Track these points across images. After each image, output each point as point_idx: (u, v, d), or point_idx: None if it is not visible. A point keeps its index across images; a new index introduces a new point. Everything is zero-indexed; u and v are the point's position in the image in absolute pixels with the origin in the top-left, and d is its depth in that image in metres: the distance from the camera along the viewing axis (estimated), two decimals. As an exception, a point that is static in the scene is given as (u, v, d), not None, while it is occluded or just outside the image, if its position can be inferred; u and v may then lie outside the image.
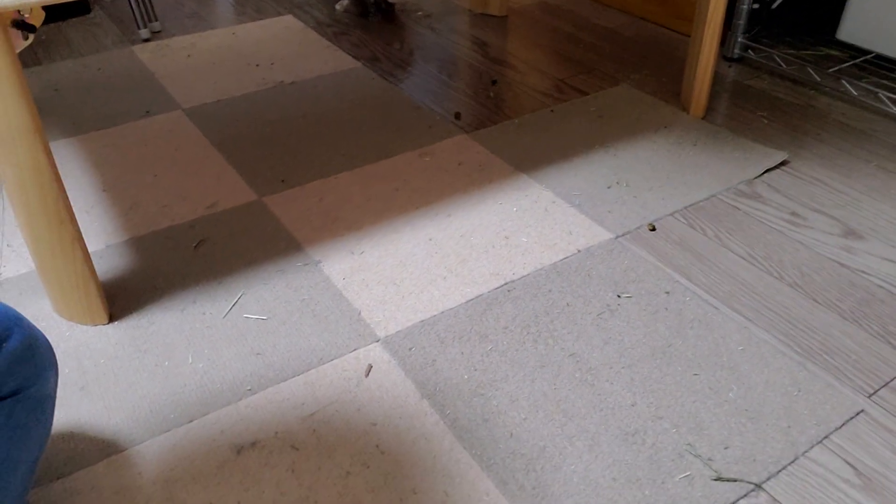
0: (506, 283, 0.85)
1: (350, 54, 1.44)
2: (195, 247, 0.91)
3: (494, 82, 1.33)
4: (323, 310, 0.81)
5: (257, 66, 1.38)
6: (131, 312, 0.81)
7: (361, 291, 0.84)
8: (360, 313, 0.81)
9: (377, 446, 0.66)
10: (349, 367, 0.74)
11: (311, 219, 0.96)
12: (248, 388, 0.72)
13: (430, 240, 0.92)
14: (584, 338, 0.77)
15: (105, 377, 0.73)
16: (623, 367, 0.74)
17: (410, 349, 0.76)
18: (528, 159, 1.08)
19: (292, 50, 1.45)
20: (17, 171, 0.69)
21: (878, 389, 0.71)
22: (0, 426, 0.51)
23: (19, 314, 0.54)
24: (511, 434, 0.67)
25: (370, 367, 0.75)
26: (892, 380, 0.72)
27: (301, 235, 0.93)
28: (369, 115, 1.21)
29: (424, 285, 0.85)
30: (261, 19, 1.61)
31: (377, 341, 0.77)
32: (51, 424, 0.57)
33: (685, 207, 0.98)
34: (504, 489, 0.62)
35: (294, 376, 0.73)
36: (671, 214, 0.96)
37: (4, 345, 0.51)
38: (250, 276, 0.86)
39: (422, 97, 1.27)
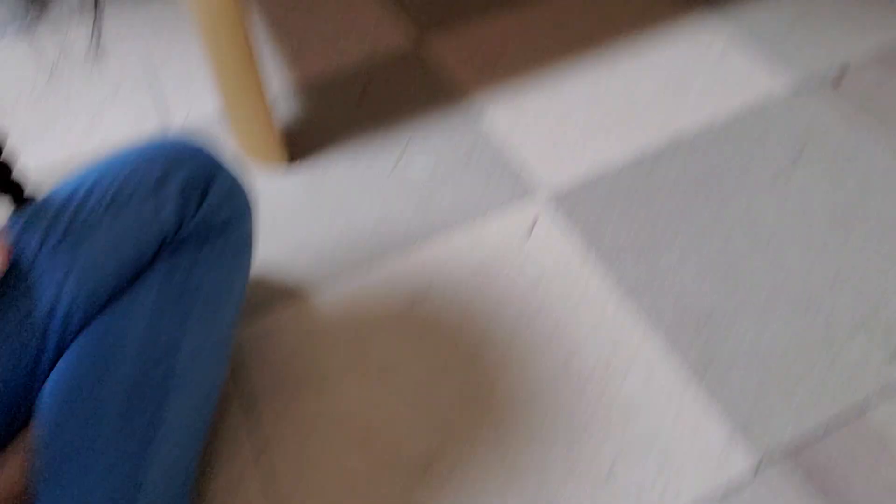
0: (675, 139, 0.81)
1: None
2: (360, 94, 0.92)
3: None
4: (486, 164, 0.82)
5: None
6: (306, 159, 0.84)
7: (524, 144, 0.83)
8: (523, 168, 0.81)
9: (543, 301, 0.69)
10: (514, 223, 0.76)
11: (472, 65, 0.94)
12: (418, 240, 0.75)
13: (595, 88, 0.88)
14: (758, 200, 0.74)
15: (286, 221, 0.78)
16: (800, 234, 0.71)
17: (576, 205, 0.77)
18: (700, -6, 0.99)
19: None
20: (207, 11, 0.70)
21: None
22: (213, 261, 0.55)
23: (222, 156, 0.57)
24: (679, 296, 0.68)
25: (535, 222, 0.76)
26: None
27: (462, 83, 0.92)
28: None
29: (589, 139, 0.83)
30: None
31: (542, 197, 0.78)
32: (250, 263, 0.61)
33: (883, 51, 0.87)
34: (672, 350, 0.64)
35: (460, 230, 0.76)
36: (864, 60, 0.87)
37: (212, 184, 0.54)
38: (414, 127, 0.87)
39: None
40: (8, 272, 0.49)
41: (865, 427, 0.58)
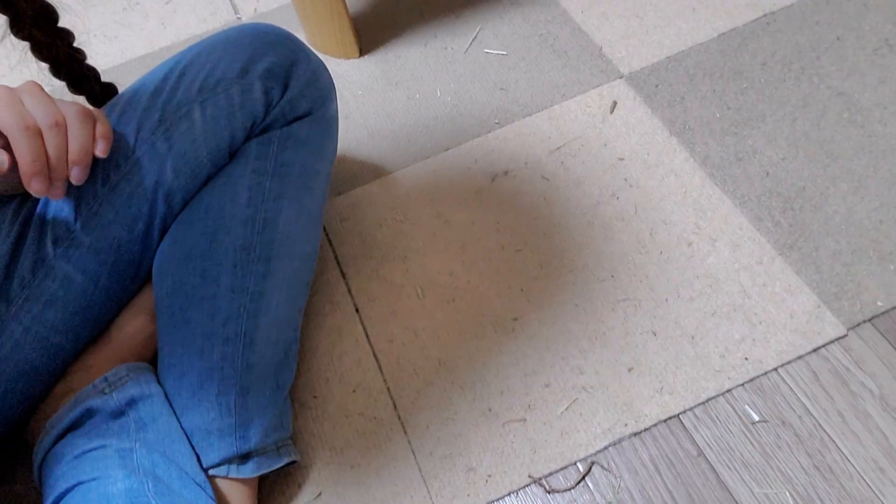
0: (765, 14, 0.77)
1: None
2: (428, -20, 0.89)
3: None
4: (563, 45, 0.79)
5: None
6: (378, 47, 0.83)
7: (602, 25, 0.80)
8: (601, 48, 0.78)
9: (625, 180, 0.68)
10: (593, 104, 0.74)
11: (542, -54, 0.90)
12: (496, 121, 0.74)
13: (676, -34, 0.84)
14: (855, 75, 0.70)
15: (365, 107, 0.78)
16: (901, 108, 0.67)
17: (657, 86, 0.74)
18: None
19: None
20: None
21: None
22: (302, 141, 0.57)
23: (303, 42, 0.58)
24: (767, 173, 0.66)
25: (615, 103, 0.74)
26: None
27: (533, -35, 0.88)
28: None
29: (671, 17, 0.79)
30: None
31: (621, 77, 0.75)
32: (336, 142, 0.63)
33: None
34: (759, 225, 0.63)
35: (538, 111, 0.74)
36: (981, -74, 0.79)
37: (295, 68, 0.56)
38: (487, 9, 0.85)
39: None
40: (114, 151, 0.51)
41: (968, 299, 0.56)
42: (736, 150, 0.68)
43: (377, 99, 0.79)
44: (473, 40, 0.82)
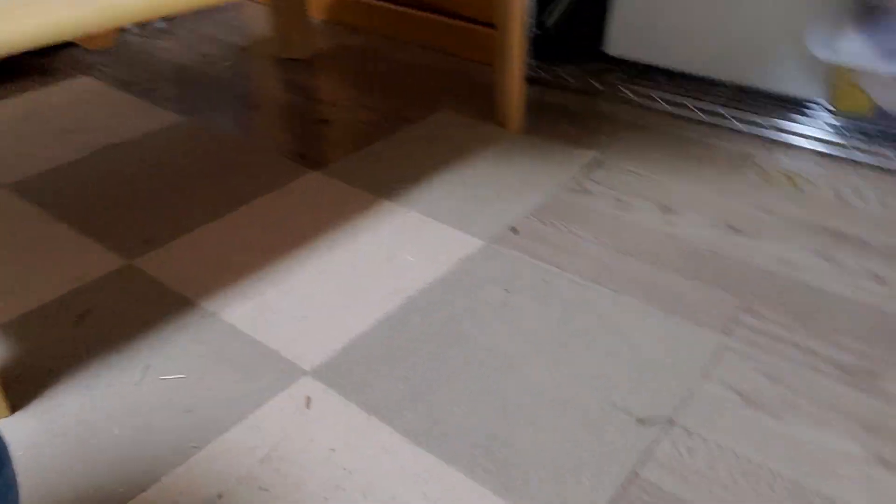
0: (408, 299, 0.90)
1: (169, 109, 1.40)
2: (76, 322, 0.84)
3: (325, 121, 1.38)
4: (240, 356, 0.81)
5: (71, 131, 1.29)
6: (32, 400, 0.73)
7: (272, 331, 0.85)
8: (279, 352, 0.82)
9: (344, 469, 0.68)
10: (288, 404, 0.75)
11: (193, 272, 0.94)
12: (193, 445, 0.70)
13: (322, 273, 0.95)
14: (492, 332, 0.86)
15: (35, 468, 0.66)
16: (534, 351, 0.83)
17: (341, 375, 0.79)
18: (384, 186, 1.15)
19: (104, 111, 1.37)
20: None
21: (730, 326, 0.88)
22: None
23: None
24: (462, 428, 0.73)
25: (308, 398, 0.76)
26: (736, 316, 0.89)
27: (188, 290, 0.91)
28: (214, 166, 1.20)
29: (333, 314, 0.88)
30: (52, 84, 1.50)
31: (307, 374, 0.79)
32: None
33: (534, 209, 1.11)
34: (473, 476, 0.68)
35: (235, 424, 0.72)
36: (525, 216, 1.09)
37: None
38: (150, 340, 0.83)
39: (260, 142, 1.29)
40: None
41: (640, 483, 0.68)
42: (429, 415, 0.74)
43: (47, 455, 0.68)
44: (144, 371, 0.78)
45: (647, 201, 1.13)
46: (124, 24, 0.70)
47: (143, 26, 1.83)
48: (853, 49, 1.23)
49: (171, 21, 1.88)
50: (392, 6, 1.77)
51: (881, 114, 1.27)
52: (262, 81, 1.54)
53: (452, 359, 0.82)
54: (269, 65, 1.63)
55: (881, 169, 1.22)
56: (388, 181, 1.17)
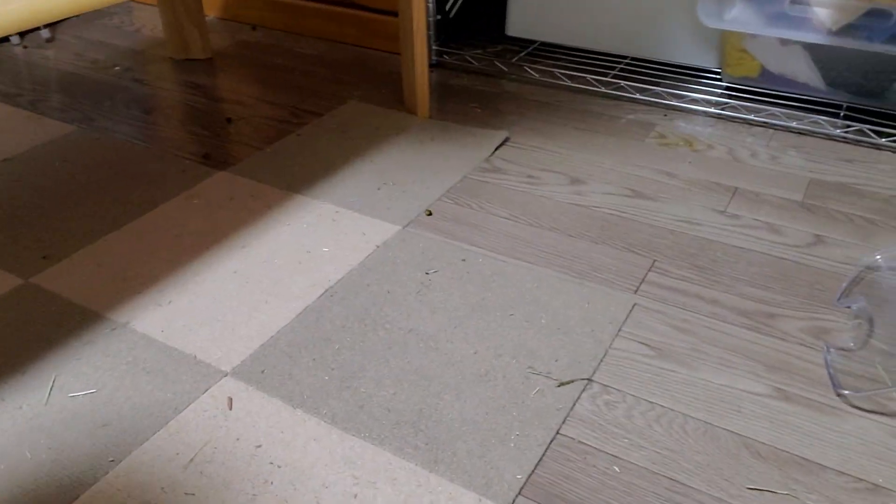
0: (327, 290, 0.90)
1: (59, 119, 1.34)
2: (-27, 346, 0.80)
3: (230, 120, 1.35)
4: (155, 364, 0.78)
5: (-47, 148, 1.22)
6: (-71, 432, 0.69)
7: (187, 336, 0.82)
8: (195, 356, 0.80)
9: (271, 463, 0.68)
10: (209, 407, 0.73)
11: (98, 285, 0.90)
12: (111, 459, 0.67)
13: (236, 272, 0.93)
14: (414, 314, 0.86)
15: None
16: (455, 327, 0.84)
17: (262, 372, 0.78)
18: (296, 181, 1.13)
19: (-11, 125, 1.30)
20: None
21: (640, 285, 0.91)
22: None
23: None
24: (389, 409, 0.73)
25: (230, 399, 0.74)
26: (645, 276, 0.93)
27: (95, 304, 0.87)
28: (113, 174, 1.15)
29: (250, 313, 0.86)
30: (-70, 100, 1.41)
31: (226, 375, 0.77)
32: None
33: (447, 191, 1.12)
34: (403, 454, 0.68)
35: (155, 433, 0.70)
36: (439, 199, 1.09)
37: None
38: (57, 358, 0.79)
39: (160, 146, 1.24)
40: None
41: (563, 441, 0.70)
42: (355, 400, 0.74)
43: (-57, 491, 0.64)
44: (52, 389, 0.75)
45: (557, 174, 1.16)
46: (2, 34, 0.66)
47: (24, 35, 1.74)
48: (738, 16, 1.29)
49: (55, 28, 1.80)
50: (290, 0, 1.74)
51: (768, 76, 1.34)
52: (159, 84, 1.49)
53: (375, 343, 0.82)
54: (165, 67, 1.57)
55: (771, 126, 1.29)
56: (299, 175, 1.15)
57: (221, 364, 0.79)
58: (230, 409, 0.73)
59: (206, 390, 0.75)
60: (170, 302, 0.88)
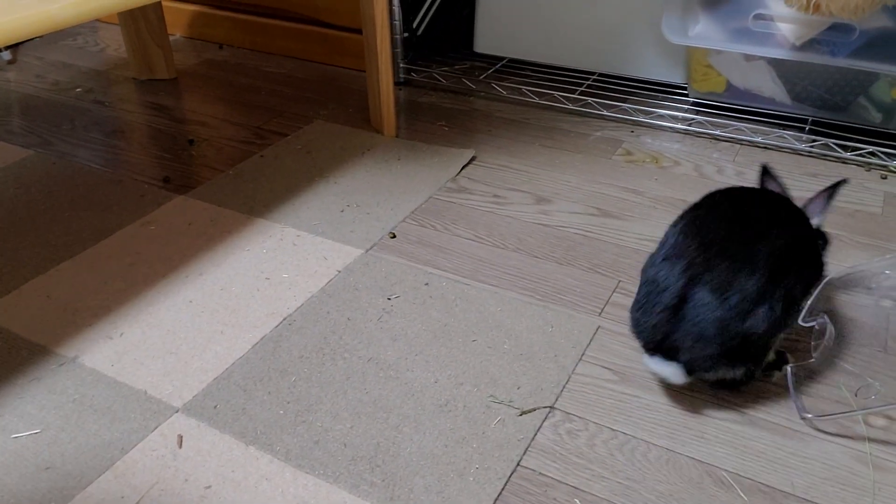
0: (285, 318, 0.87)
1: (15, 144, 1.31)
2: (-88, 386, 0.77)
3: (192, 142, 1.32)
4: (103, 402, 0.76)
5: None
6: None
7: (138, 370, 0.80)
8: (146, 392, 0.77)
9: (221, 505, 0.65)
10: (158, 446, 0.71)
11: (46, 318, 0.87)
12: (52, 505, 0.65)
13: (191, 302, 0.90)
14: (374, 342, 0.84)
15: None
16: (416, 355, 0.82)
17: (215, 407, 0.75)
18: (257, 204, 1.11)
19: (-58, 151, 1.26)
20: None
21: (604, 307, 0.90)
22: None
23: None
24: (345, 444, 0.71)
25: (180, 437, 0.72)
26: (609, 298, 0.91)
27: (42, 338, 0.84)
28: (69, 200, 1.12)
29: (204, 344, 0.83)
30: None
31: (177, 411, 0.75)
32: None
33: (412, 212, 1.10)
34: (358, 492, 0.66)
35: (100, 475, 0.67)
36: (403, 220, 1.08)
37: None
38: (0, 396, 0.76)
39: (120, 170, 1.22)
40: None
41: (524, 473, 0.68)
42: (310, 435, 0.72)
43: None
44: (-6, 431, 0.72)
45: (523, 194, 1.15)
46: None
47: (-15, 57, 1.70)
48: (702, 32, 1.29)
49: (17, 49, 1.76)
50: (256, 18, 1.73)
51: (734, 91, 1.34)
52: (121, 106, 1.46)
53: (333, 373, 0.79)
54: (128, 88, 1.55)
55: (737, 142, 1.29)
56: (260, 198, 1.13)
57: (173, 399, 0.76)
58: (180, 447, 0.71)
59: (156, 428, 0.73)
60: (121, 334, 0.85)
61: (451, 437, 0.72)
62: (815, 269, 0.73)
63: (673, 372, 0.70)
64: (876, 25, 1.14)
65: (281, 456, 0.70)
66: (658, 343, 0.70)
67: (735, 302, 0.66)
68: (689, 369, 0.69)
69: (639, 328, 0.72)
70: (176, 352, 0.82)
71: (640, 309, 0.71)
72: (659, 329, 0.69)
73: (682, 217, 0.74)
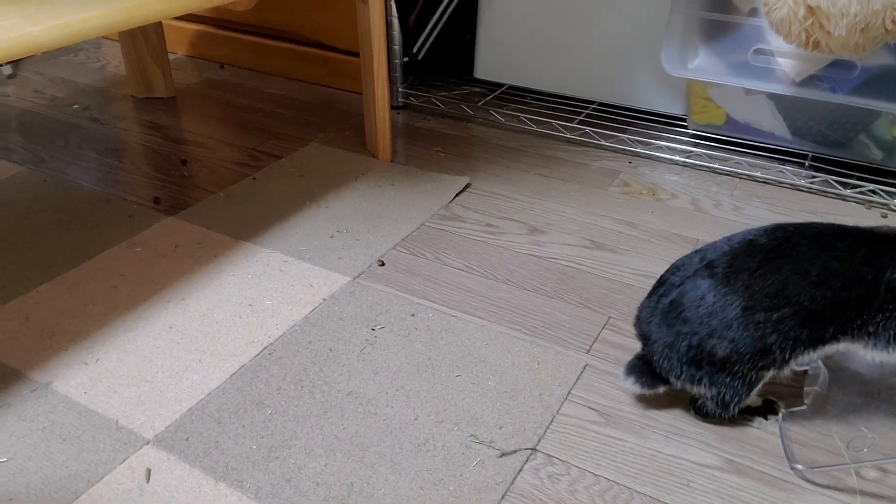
0: (265, 348, 0.85)
1: (8, 160, 1.30)
2: None
3: (185, 162, 1.31)
4: (72, 430, 0.74)
5: None
6: None
7: (111, 399, 0.78)
8: (117, 422, 0.75)
9: (185, 545, 0.63)
10: (125, 479, 0.69)
11: (23, 341, 0.86)
12: (9, 541, 0.62)
13: (171, 327, 0.88)
14: (354, 375, 0.82)
15: None
16: (397, 390, 0.80)
17: (187, 439, 0.73)
18: (246, 227, 1.10)
19: (-67, 165, 1.26)
20: None
21: (592, 344, 0.88)
22: None
23: None
24: (318, 483, 0.69)
25: (149, 470, 0.70)
26: (598, 334, 0.89)
27: (16, 361, 0.82)
28: (55, 218, 1.11)
29: (181, 373, 0.81)
30: None
31: (148, 443, 0.73)
32: None
33: (403, 239, 1.08)
34: (328, 535, 0.64)
35: (62, 510, 0.65)
36: (393, 248, 1.06)
37: None
38: (-33, 422, 0.74)
39: (110, 189, 1.21)
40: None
41: (506, 524, 0.65)
42: (282, 472, 0.70)
43: None
44: (-43, 459, 0.70)
45: (516, 223, 1.13)
46: None
47: (-15, 72, 1.70)
48: (702, 64, 1.28)
49: (18, 64, 1.77)
50: (258, 39, 1.73)
51: (734, 124, 1.32)
52: (117, 124, 1.46)
53: (311, 407, 0.77)
54: (125, 106, 1.54)
55: (736, 175, 1.27)
56: (250, 222, 1.11)
57: (144, 430, 0.74)
58: (147, 481, 0.68)
59: (124, 460, 0.70)
60: (97, 360, 0.83)
61: (428, 478, 0.69)
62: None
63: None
64: (877, 63, 1.13)
65: (251, 494, 0.67)
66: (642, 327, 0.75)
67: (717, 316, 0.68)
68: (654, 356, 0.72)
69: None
70: (151, 380, 0.80)
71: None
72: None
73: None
